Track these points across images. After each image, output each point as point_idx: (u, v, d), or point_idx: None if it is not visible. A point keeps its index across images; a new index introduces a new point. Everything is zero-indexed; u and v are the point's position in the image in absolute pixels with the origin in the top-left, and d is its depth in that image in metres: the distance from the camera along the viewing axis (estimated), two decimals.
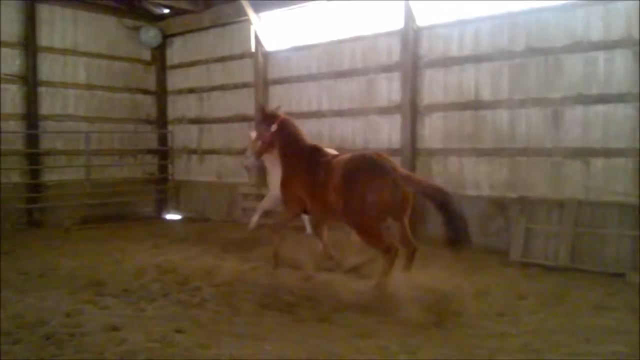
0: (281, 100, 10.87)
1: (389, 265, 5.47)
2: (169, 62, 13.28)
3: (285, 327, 4.88)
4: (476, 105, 8.45)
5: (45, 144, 11.17)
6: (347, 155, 6.06)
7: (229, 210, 11.83)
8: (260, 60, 11.17)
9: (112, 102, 12.40)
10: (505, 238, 7.94)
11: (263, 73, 11.17)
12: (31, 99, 10.96)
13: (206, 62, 12.38)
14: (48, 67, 11.30)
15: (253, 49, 11.25)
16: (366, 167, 5.64)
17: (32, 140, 10.96)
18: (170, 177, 12.92)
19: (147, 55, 13.08)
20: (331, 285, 5.81)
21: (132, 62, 12.83)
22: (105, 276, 6.54)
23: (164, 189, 12.93)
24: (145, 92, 13.09)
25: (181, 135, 12.98)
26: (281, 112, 6.84)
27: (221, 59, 12.04)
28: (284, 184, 6.60)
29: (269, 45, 11.16)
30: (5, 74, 10.61)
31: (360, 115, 9.84)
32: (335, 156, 6.31)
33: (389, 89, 9.43)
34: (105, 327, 4.78)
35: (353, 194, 5.58)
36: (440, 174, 8.82)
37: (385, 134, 9.51)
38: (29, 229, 10.45)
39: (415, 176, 6.31)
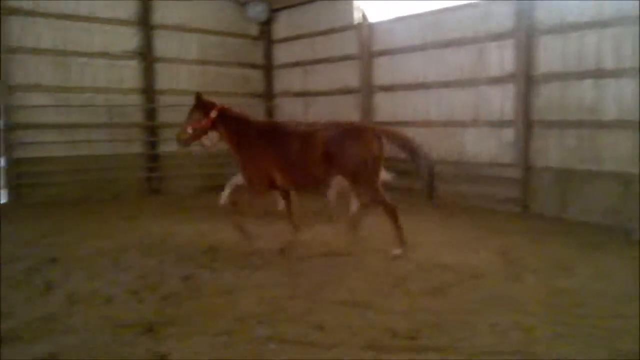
0: (385, 72, 10.76)
1: (396, 220, 6.19)
2: (275, 37, 13.51)
3: (393, 297, 4.87)
4: (597, 74, 7.85)
5: (162, 117, 11.81)
6: (320, 125, 6.63)
7: None
8: (365, 31, 11.05)
9: (223, 77, 12.84)
10: (627, 216, 7.41)
11: (367, 45, 11.05)
12: (148, 75, 11.62)
13: (310, 35, 12.45)
14: (163, 44, 11.88)
15: (357, 21, 11.15)
16: (350, 130, 6.35)
17: (150, 113, 11.65)
18: None
19: (254, 30, 13.38)
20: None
21: (241, 37, 13.18)
22: (219, 243, 6.87)
23: None
24: (253, 66, 13.43)
25: (287, 109, 13.23)
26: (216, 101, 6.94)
27: (325, 32, 12.04)
28: (247, 163, 6.73)
29: (373, 17, 11.00)
30: (125, 51, 11.30)
31: (470, 86, 9.47)
32: (301, 128, 6.73)
33: (501, 58, 8.99)
34: (220, 290, 5.04)
35: (348, 157, 6.14)
36: (556, 147, 8.36)
37: (497, 105, 9.11)
38: (149, 197, 11.17)
39: (390, 129, 6.92)
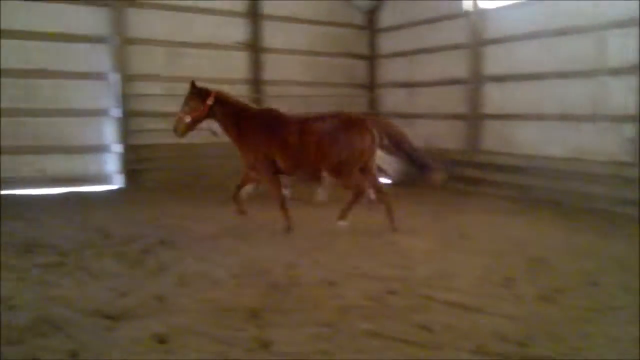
0: (496, 62, 10.26)
1: (355, 202, 6.76)
2: (379, 26, 13.32)
3: (500, 299, 4.61)
4: None
5: None
6: (320, 114, 6.94)
7: None
8: (475, 19, 10.58)
9: (328, 67, 12.87)
10: None
11: (477, 33, 10.58)
12: (256, 66, 11.88)
13: (416, 23, 12.13)
14: (270, 35, 12.07)
15: (466, 8, 10.70)
16: (345, 120, 6.66)
17: (257, 103, 11.86)
18: None
19: (360, 19, 13.28)
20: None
21: (347, 27, 13.12)
22: (321, 231, 6.88)
23: None
24: (358, 56, 13.35)
25: (390, 100, 13.02)
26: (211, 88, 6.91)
27: (432, 20, 11.67)
28: (248, 151, 6.83)
29: (483, 3, 10.50)
30: (236, 43, 11.62)
31: (588, 77, 8.79)
32: (301, 116, 7.06)
33: (623, 47, 8.23)
34: (322, 281, 5.01)
35: (338, 144, 6.49)
36: None
37: (619, 97, 8.37)
38: None
39: (384, 120, 7.30)
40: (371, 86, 13.49)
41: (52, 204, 8.78)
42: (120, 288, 4.85)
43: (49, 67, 9.85)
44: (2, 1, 9.21)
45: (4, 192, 9.24)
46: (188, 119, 6.75)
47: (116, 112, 10.42)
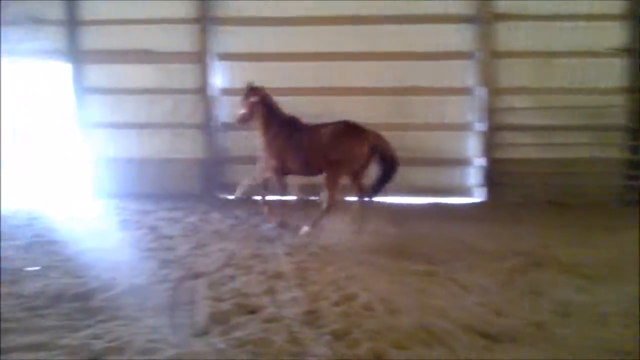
0: None
1: (326, 213, 7.49)
2: None
3: None
4: None
5: None
6: (330, 123, 7.59)
7: None
8: None
9: None
10: None
11: None
12: (635, 73, 10.41)
13: None
14: None
15: None
16: (348, 130, 7.36)
17: (634, 115, 10.44)
18: None
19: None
20: None
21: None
22: None
23: None
24: None
25: None
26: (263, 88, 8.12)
27: None
28: (268, 146, 7.87)
29: None
30: (610, 49, 10.41)
31: None
32: (314, 125, 7.73)
33: None
34: None
35: (337, 151, 7.26)
36: None
37: None
38: (626, 207, 10.03)
39: (375, 132, 7.54)
40: None
41: (418, 213, 9.32)
42: (493, 306, 4.74)
43: (420, 84, 10.52)
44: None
45: (379, 199, 10.24)
46: (241, 113, 8.12)
47: (481, 125, 10.50)
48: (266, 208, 8.28)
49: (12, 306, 4.71)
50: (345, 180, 7.72)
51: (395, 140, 10.42)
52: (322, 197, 9.08)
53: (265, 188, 8.32)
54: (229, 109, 10.74)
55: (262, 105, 8.01)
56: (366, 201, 7.81)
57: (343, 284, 5.34)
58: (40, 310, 4.63)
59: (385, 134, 10.42)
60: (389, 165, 7.51)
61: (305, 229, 7.53)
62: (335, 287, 5.24)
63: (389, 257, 6.35)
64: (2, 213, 9.05)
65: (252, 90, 8.12)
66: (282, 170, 7.95)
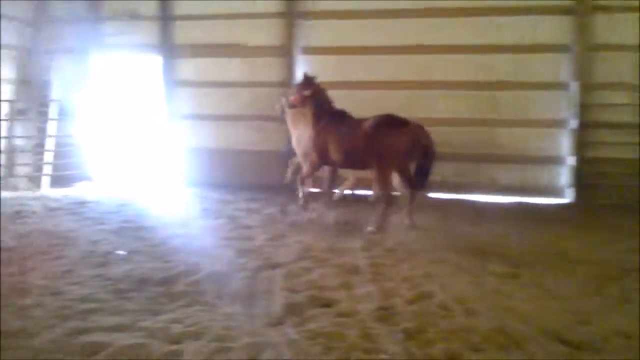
0: None
1: (388, 208, 7.44)
2: None
3: None
4: None
5: None
6: (374, 117, 7.50)
7: None
8: None
9: None
10: None
11: None
12: None
13: None
14: None
15: None
16: (393, 123, 7.37)
17: None
18: None
19: None
20: None
21: None
22: None
23: None
24: None
25: None
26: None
27: None
28: (314, 137, 7.83)
29: None
30: None
31: None
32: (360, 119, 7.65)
33: None
34: None
35: (384, 144, 7.24)
36: None
37: None
38: None
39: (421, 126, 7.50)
40: None
41: (503, 213, 8.99)
42: (579, 314, 4.49)
43: (511, 79, 10.10)
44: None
45: (459, 196, 10.01)
46: (288, 100, 8.34)
47: (573, 123, 9.94)
48: (306, 199, 8.32)
49: (99, 288, 4.98)
50: (393, 173, 7.67)
51: (482, 136, 10.26)
52: (374, 192, 9.06)
53: (311, 180, 8.58)
54: None
55: (313, 98, 8.02)
56: (427, 196, 7.78)
57: (419, 281, 5.25)
58: (125, 293, 4.87)
59: (471, 129, 10.28)
60: (427, 159, 7.47)
61: (370, 228, 7.40)
62: (410, 284, 5.15)
63: (468, 256, 6.19)
64: (96, 199, 9.64)
65: (309, 82, 8.16)
66: (329, 163, 8.02)
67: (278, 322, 4.27)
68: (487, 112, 10.28)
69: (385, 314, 4.42)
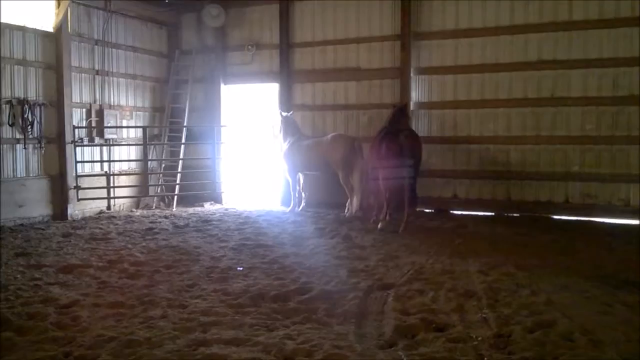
0: None
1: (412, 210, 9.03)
2: None
3: None
4: None
5: None
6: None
7: None
8: None
9: None
10: None
11: None
12: None
13: None
14: None
15: None
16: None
17: None
18: None
19: None
20: None
21: None
22: None
23: None
24: None
25: None
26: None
27: None
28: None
29: None
30: None
31: None
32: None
33: None
34: None
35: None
36: None
37: None
38: None
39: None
40: None
41: (632, 236, 8.28)
42: None
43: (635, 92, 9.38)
44: None
45: (587, 218, 9.38)
46: None
47: None
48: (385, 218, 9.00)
49: (218, 302, 5.24)
50: None
51: (605, 154, 9.53)
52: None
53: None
54: (427, 123, 10.80)
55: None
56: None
57: (539, 308, 4.95)
58: (242, 307, 5.07)
59: (591, 147, 9.59)
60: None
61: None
62: (530, 311, 4.88)
63: (595, 283, 5.77)
64: (219, 218, 10.23)
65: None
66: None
67: (389, 344, 4.21)
68: (616, 129, 9.55)
69: (501, 342, 4.22)
